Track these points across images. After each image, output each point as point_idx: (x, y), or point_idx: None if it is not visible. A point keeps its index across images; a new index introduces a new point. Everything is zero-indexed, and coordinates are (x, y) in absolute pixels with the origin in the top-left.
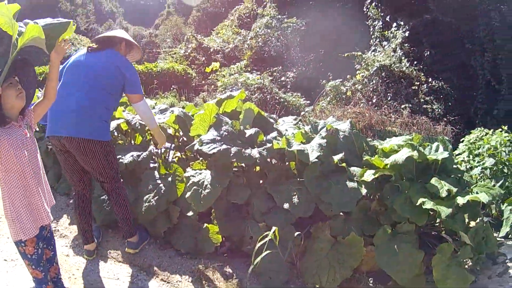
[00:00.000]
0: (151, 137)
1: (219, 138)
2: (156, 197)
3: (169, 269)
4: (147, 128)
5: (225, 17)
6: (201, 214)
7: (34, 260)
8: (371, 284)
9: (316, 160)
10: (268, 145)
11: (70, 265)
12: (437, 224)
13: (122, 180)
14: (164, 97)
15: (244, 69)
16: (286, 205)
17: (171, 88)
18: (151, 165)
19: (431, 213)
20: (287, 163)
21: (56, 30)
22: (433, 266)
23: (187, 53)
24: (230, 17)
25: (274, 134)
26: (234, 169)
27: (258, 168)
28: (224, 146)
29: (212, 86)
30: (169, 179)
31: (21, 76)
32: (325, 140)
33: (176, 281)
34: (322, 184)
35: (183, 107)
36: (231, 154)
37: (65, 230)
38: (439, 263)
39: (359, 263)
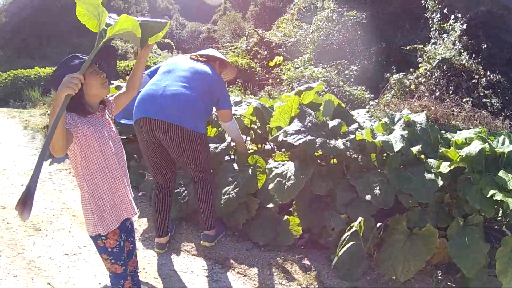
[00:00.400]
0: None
1: (303, 129)
2: (236, 189)
3: (246, 262)
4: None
5: (284, 11)
6: (280, 206)
7: (115, 253)
8: (440, 277)
9: (398, 151)
10: (351, 136)
11: (140, 259)
12: (499, 218)
13: (210, 173)
14: (230, 91)
15: (308, 62)
16: (368, 197)
17: (236, 82)
18: (226, 157)
19: (495, 206)
20: (367, 154)
21: (153, 28)
22: (497, 259)
23: (249, 48)
24: (289, 11)
25: (355, 125)
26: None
27: (335, 160)
28: (309, 137)
29: (278, 80)
30: (249, 170)
31: (102, 65)
32: (406, 132)
33: (253, 274)
34: (402, 176)
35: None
36: (317, 145)
37: (134, 223)
38: (502, 256)
39: (431, 256)
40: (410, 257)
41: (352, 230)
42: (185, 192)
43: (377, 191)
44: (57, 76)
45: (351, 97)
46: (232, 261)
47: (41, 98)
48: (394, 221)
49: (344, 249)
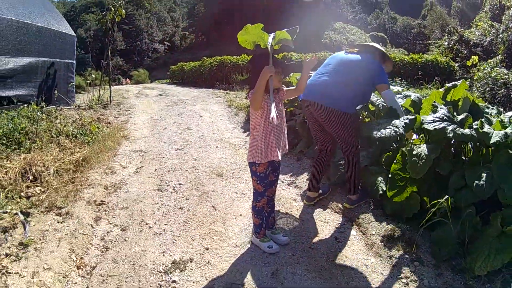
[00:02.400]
0: None
1: (438, 119)
2: None
3: (370, 225)
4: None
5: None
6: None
7: (261, 177)
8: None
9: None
10: (475, 127)
11: (292, 206)
12: None
13: (359, 147)
14: (427, 87)
15: (499, 64)
16: (473, 185)
17: (434, 80)
18: None
19: None
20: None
21: (291, 33)
22: None
23: (450, 46)
24: (483, 8)
25: (483, 120)
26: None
27: (461, 148)
28: (443, 125)
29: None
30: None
31: (277, 66)
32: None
33: (370, 234)
34: (505, 172)
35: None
36: (448, 131)
37: (301, 183)
38: None
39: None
40: (492, 254)
41: (438, 207)
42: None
43: (481, 182)
44: (257, 62)
45: None
46: (360, 221)
47: None
48: (493, 217)
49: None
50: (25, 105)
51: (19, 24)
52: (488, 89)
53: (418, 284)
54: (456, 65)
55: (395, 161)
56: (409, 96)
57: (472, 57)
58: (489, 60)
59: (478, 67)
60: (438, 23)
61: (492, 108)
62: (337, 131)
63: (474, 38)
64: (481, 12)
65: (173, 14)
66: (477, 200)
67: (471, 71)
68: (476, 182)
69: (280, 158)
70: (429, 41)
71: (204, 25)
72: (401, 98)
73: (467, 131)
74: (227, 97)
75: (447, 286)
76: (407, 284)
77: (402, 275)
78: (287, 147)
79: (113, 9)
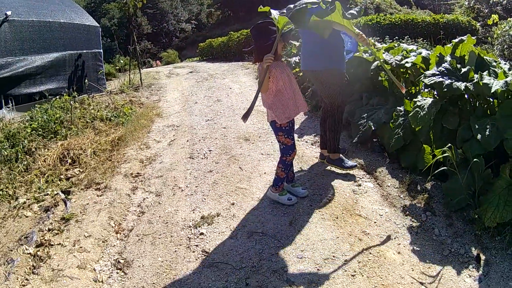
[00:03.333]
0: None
1: (438, 73)
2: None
3: (386, 177)
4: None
5: None
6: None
7: (286, 130)
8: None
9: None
10: (475, 80)
11: (314, 163)
12: None
13: (341, 106)
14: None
15: None
16: (479, 136)
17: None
18: None
19: None
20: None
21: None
22: None
23: (470, 5)
24: None
25: (485, 73)
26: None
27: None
28: (439, 79)
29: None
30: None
31: (285, 41)
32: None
33: (386, 186)
34: (509, 122)
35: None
36: (443, 85)
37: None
38: None
39: None
40: (501, 205)
41: (439, 157)
42: (364, 122)
43: (487, 133)
44: (261, 44)
45: None
46: (377, 174)
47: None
48: (502, 168)
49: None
50: (57, 97)
51: (41, 23)
52: (506, 46)
53: (429, 233)
54: (478, 24)
55: (410, 114)
56: (421, 53)
57: (492, 15)
58: (509, 19)
59: (499, 25)
60: None
61: (505, 64)
62: (319, 89)
63: None
64: None
65: None
66: (484, 151)
67: (492, 30)
68: (481, 133)
69: (296, 115)
70: (452, 1)
71: (228, 0)
72: (414, 56)
73: (461, 84)
74: (254, 68)
75: (457, 236)
76: (417, 232)
77: (413, 224)
78: (306, 106)
79: None
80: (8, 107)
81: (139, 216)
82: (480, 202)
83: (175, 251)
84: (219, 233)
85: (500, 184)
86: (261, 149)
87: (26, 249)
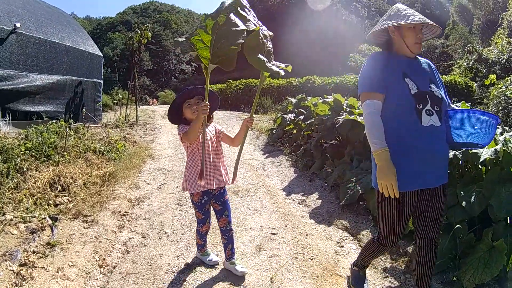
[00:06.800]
0: None
1: None
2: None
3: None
4: None
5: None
6: None
7: (197, 205)
8: None
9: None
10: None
11: (299, 222)
12: None
13: (383, 238)
14: None
15: None
16: (463, 203)
17: (452, 101)
18: None
19: None
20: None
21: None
22: None
23: (469, 65)
24: (501, 25)
25: None
26: None
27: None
28: None
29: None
30: None
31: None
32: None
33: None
34: (495, 189)
35: None
36: None
37: (311, 202)
38: None
39: (498, 272)
40: (481, 267)
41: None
42: (353, 185)
43: (472, 199)
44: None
45: None
46: (361, 236)
47: (272, 106)
48: (485, 232)
49: None
50: (53, 121)
51: (47, 43)
52: (501, 108)
53: None
54: (475, 85)
55: None
56: None
57: (490, 75)
58: (506, 78)
59: (496, 86)
60: (461, 42)
61: (497, 128)
62: (441, 210)
63: (493, 56)
64: (499, 28)
65: None
66: (468, 217)
67: (489, 90)
68: (467, 200)
69: (214, 186)
70: (452, 61)
71: None
72: None
73: (451, 153)
74: None
75: None
76: None
77: (392, 285)
78: (228, 178)
79: (139, 31)
80: (5, 120)
81: (123, 255)
82: (460, 265)
83: None
84: (202, 282)
85: (482, 247)
86: (249, 204)
87: (10, 266)
